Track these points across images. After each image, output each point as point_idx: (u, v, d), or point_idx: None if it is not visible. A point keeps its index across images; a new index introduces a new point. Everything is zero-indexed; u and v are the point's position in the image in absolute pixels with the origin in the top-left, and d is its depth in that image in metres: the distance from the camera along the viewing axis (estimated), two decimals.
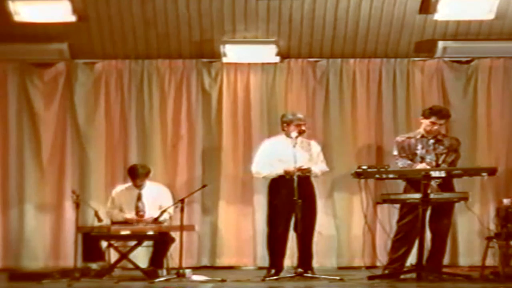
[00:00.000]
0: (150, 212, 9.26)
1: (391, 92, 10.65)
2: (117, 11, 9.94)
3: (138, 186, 9.45)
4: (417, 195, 8.27)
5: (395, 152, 8.76)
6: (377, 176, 8.46)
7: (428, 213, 8.43)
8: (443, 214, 8.62)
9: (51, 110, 10.62)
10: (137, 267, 9.10)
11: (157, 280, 8.45)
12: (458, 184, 8.80)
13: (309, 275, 8.60)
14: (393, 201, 8.56)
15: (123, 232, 8.94)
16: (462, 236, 10.37)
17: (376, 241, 9.47)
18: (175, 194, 9.66)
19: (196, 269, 9.58)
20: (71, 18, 9.67)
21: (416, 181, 8.37)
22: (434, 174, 8.34)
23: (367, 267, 9.46)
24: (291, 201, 8.48)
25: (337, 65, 10.69)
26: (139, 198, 9.41)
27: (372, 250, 9.43)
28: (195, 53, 10.59)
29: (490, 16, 9.71)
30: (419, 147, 8.68)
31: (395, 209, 8.94)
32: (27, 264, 10.36)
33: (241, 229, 10.51)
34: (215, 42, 10.35)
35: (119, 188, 9.62)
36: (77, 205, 8.76)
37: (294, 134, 8.89)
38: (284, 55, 10.56)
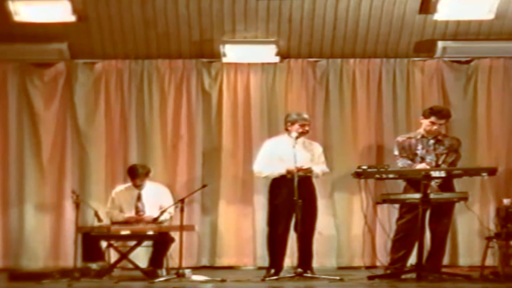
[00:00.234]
0: (150, 212, 9.26)
1: (391, 92, 10.65)
2: (117, 11, 9.94)
3: (138, 186, 9.45)
4: (417, 195, 8.27)
5: (396, 152, 8.77)
6: (377, 176, 8.45)
7: (428, 213, 8.44)
8: (443, 214, 8.62)
9: (51, 110, 10.62)
10: (137, 267, 9.10)
11: (157, 280, 8.45)
12: (458, 184, 8.80)
13: (309, 275, 8.60)
14: (393, 201, 8.56)
15: (123, 232, 8.93)
16: (462, 236, 10.37)
17: (376, 241, 9.49)
18: (175, 194, 9.66)
19: (196, 269, 9.58)
20: (71, 18, 9.67)
21: (416, 181, 8.37)
22: (434, 174, 8.34)
23: (367, 267, 9.47)
24: (291, 201, 8.49)
25: (337, 65, 10.69)
26: (139, 198, 9.41)
27: (372, 250, 9.44)
28: (195, 53, 10.59)
29: (490, 16, 9.72)
30: (420, 147, 8.68)
31: (395, 209, 8.95)
32: (27, 264, 10.36)
33: (241, 229, 10.51)
34: (215, 42, 10.36)
35: (119, 188, 9.62)
36: (77, 205, 8.75)
37: (294, 134, 8.88)
38: (284, 55, 10.56)
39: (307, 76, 10.69)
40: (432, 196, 8.27)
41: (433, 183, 8.42)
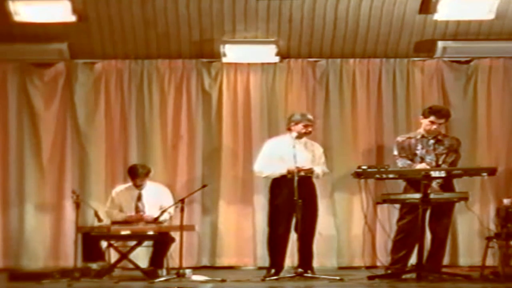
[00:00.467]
0: (150, 212, 9.26)
1: (391, 92, 10.65)
2: (117, 11, 9.94)
3: (138, 186, 9.45)
4: (417, 195, 8.28)
5: (395, 152, 8.77)
6: (377, 176, 8.45)
7: (428, 213, 8.44)
8: (443, 214, 8.62)
9: (51, 110, 10.62)
10: (137, 267, 9.10)
11: (157, 280, 8.45)
12: (458, 184, 8.80)
13: (309, 275, 8.61)
14: (393, 201, 8.56)
15: (123, 232, 8.93)
16: (462, 236, 10.37)
17: (376, 241, 9.49)
18: (175, 194, 9.66)
19: (196, 269, 9.58)
20: (71, 18, 9.67)
21: (416, 181, 8.37)
22: (434, 174, 8.34)
23: (367, 267, 9.47)
24: (292, 201, 8.49)
25: (337, 65, 10.69)
26: (139, 198, 9.41)
27: (372, 250, 9.45)
28: (195, 53, 10.59)
29: (490, 16, 9.72)
30: (419, 147, 8.68)
31: (395, 209, 8.95)
32: (27, 264, 10.36)
33: (241, 229, 10.51)
34: (215, 42, 10.36)
35: (119, 188, 9.62)
36: (77, 205, 8.75)
37: (294, 134, 8.88)
38: (284, 55, 10.56)
39: (307, 76, 10.69)
40: (432, 196, 8.27)
41: (434, 183, 8.42)
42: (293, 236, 8.81)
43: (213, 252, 10.50)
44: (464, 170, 8.52)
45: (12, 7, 9.54)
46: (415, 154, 8.67)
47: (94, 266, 8.76)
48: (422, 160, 8.61)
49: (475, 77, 10.65)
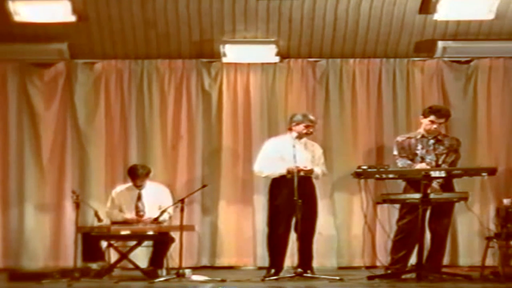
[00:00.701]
0: (150, 212, 9.26)
1: (391, 92, 10.65)
2: (117, 11, 9.94)
3: (138, 186, 9.45)
4: (417, 195, 8.27)
5: (395, 152, 8.76)
6: (377, 176, 8.45)
7: (428, 213, 8.44)
8: (442, 214, 8.62)
9: (51, 110, 10.62)
10: (137, 267, 9.11)
11: (157, 280, 8.44)
12: (458, 184, 8.80)
13: (309, 275, 8.61)
14: (393, 201, 8.55)
15: (123, 232, 8.93)
16: (462, 236, 10.37)
17: (376, 241, 9.47)
18: (175, 194, 9.67)
19: (196, 269, 9.58)
20: (71, 18, 9.67)
21: (416, 181, 8.37)
22: (434, 174, 8.33)
23: (367, 267, 9.48)
24: (292, 201, 8.48)
25: (337, 65, 10.69)
26: (139, 198, 9.41)
27: (372, 250, 9.44)
28: (195, 53, 10.59)
29: (490, 16, 9.71)
30: (419, 147, 8.68)
31: (395, 209, 8.94)
32: (27, 264, 10.36)
33: (241, 229, 10.52)
34: (215, 42, 10.36)
35: (119, 188, 9.61)
36: (77, 205, 8.74)
37: (294, 134, 8.88)
38: (284, 55, 10.56)
39: (307, 76, 10.69)
40: (432, 196, 8.27)
41: (434, 183, 8.42)
42: (293, 236, 8.81)
43: (213, 252, 10.50)
44: (464, 170, 8.51)
45: (12, 7, 9.54)
46: (415, 154, 8.67)
47: (94, 266, 8.76)
48: (423, 160, 8.61)
49: (475, 77, 10.65)
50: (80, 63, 10.65)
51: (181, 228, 8.68)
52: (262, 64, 10.65)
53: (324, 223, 9.98)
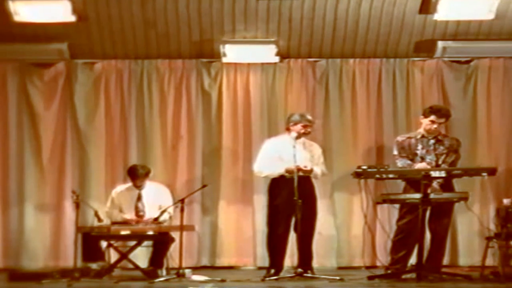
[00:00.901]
0: (150, 212, 9.26)
1: (391, 92, 10.65)
2: (117, 11, 9.94)
3: (138, 186, 9.44)
4: (417, 195, 8.28)
5: (395, 152, 8.77)
6: (377, 176, 8.45)
7: (427, 213, 8.44)
8: (442, 214, 8.62)
9: (51, 110, 10.62)
10: (137, 267, 9.11)
11: (157, 280, 8.45)
12: (458, 184, 8.80)
13: (309, 275, 8.61)
14: (393, 201, 8.56)
15: (123, 232, 8.93)
16: (462, 236, 10.37)
17: (376, 241, 9.48)
18: (175, 194, 9.67)
19: (196, 269, 9.58)
20: (71, 18, 9.67)
21: (416, 181, 8.37)
22: (434, 174, 8.34)
23: (367, 267, 9.47)
24: (291, 201, 8.49)
25: (337, 65, 10.69)
26: (139, 198, 9.41)
27: (372, 250, 9.44)
28: (195, 53, 10.59)
29: (490, 16, 9.72)
30: (420, 147, 8.68)
31: (395, 209, 8.95)
32: (27, 264, 10.36)
33: (241, 229, 10.51)
34: (215, 42, 10.36)
35: (119, 188, 9.61)
36: (77, 205, 8.74)
37: (293, 134, 8.88)
38: (284, 55, 10.56)
39: (307, 76, 10.69)
40: (432, 196, 8.27)
41: (434, 183, 8.42)
42: (292, 236, 8.81)
43: (213, 252, 10.50)
44: (464, 170, 8.52)
45: (12, 7, 9.54)
46: (415, 154, 8.67)
47: (94, 266, 8.77)
48: (422, 160, 8.61)
49: (475, 77, 10.65)
50: (80, 63, 10.65)
51: (181, 228, 8.69)
52: (262, 64, 10.65)
53: (324, 223, 9.99)
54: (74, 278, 8.35)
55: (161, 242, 9.03)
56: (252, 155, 9.88)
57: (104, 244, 9.16)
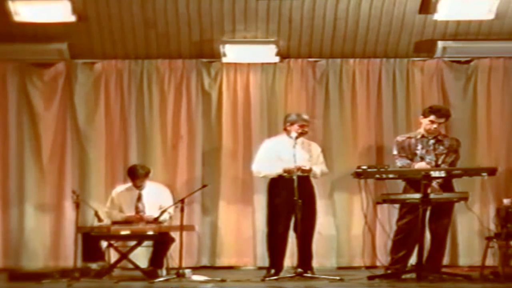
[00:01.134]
0: (150, 213, 9.25)
1: (391, 92, 10.65)
2: (117, 11, 9.94)
3: (138, 186, 9.44)
4: (417, 195, 8.28)
5: (395, 152, 8.77)
6: (377, 176, 8.45)
7: (427, 213, 8.44)
8: (442, 214, 8.62)
9: (51, 110, 10.62)
10: (137, 267, 9.10)
11: (157, 280, 8.45)
12: (458, 184, 8.80)
13: (309, 275, 8.61)
14: (393, 201, 8.56)
15: (123, 232, 8.93)
16: (462, 236, 10.37)
17: (376, 241, 9.48)
18: (175, 194, 9.67)
19: (196, 269, 9.59)
20: (71, 18, 9.67)
21: (415, 181, 8.37)
22: (434, 174, 8.34)
23: (367, 267, 9.46)
24: (291, 201, 8.49)
25: (337, 65, 10.70)
26: (139, 198, 9.41)
27: (372, 250, 9.44)
28: (195, 53, 10.60)
29: (490, 16, 9.72)
30: (419, 147, 8.68)
31: (395, 209, 8.94)
32: (27, 264, 10.36)
33: (241, 229, 10.52)
34: (215, 42, 10.36)
35: (119, 188, 9.61)
36: (77, 205, 8.74)
37: (293, 134, 8.89)
38: (284, 55, 10.56)
39: (307, 76, 10.69)
40: (432, 196, 8.27)
41: (434, 183, 8.42)
42: (292, 236, 8.81)
43: (213, 252, 10.50)
44: (464, 170, 8.52)
45: (12, 7, 9.54)
46: (415, 154, 8.67)
47: (94, 266, 8.77)
48: (422, 160, 8.60)
49: (475, 77, 10.65)
50: (80, 63, 10.66)
51: (181, 228, 8.69)
52: (262, 64, 10.66)
53: (324, 223, 10.00)
54: (74, 278, 8.35)
55: (161, 242, 9.03)
56: (252, 155, 9.86)
57: (104, 244, 9.16)
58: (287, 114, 9.21)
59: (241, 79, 10.71)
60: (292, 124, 8.98)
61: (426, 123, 8.71)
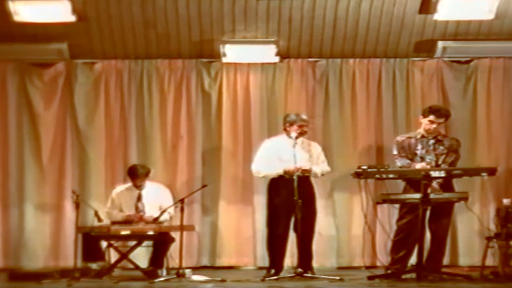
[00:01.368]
0: (150, 213, 9.26)
1: (391, 92, 10.65)
2: (117, 11, 9.94)
3: (138, 186, 9.44)
4: (417, 195, 8.28)
5: (395, 152, 8.77)
6: (377, 176, 8.45)
7: (428, 213, 8.44)
8: (442, 214, 8.62)
9: (51, 110, 10.62)
10: (137, 267, 9.10)
11: (157, 280, 8.44)
12: (458, 184, 8.80)
13: (309, 275, 8.60)
14: (393, 201, 8.56)
15: (123, 232, 8.93)
16: (462, 236, 10.37)
17: (376, 241, 9.48)
18: (175, 194, 9.67)
19: (196, 269, 9.59)
20: (71, 18, 9.67)
21: (415, 181, 8.37)
22: (434, 174, 8.34)
23: (367, 267, 9.46)
24: (291, 201, 8.49)
25: (337, 65, 10.70)
26: (139, 198, 9.41)
27: (372, 250, 9.43)
28: (195, 53, 10.60)
29: (490, 16, 9.72)
30: (419, 147, 8.68)
31: (395, 209, 8.94)
32: (27, 264, 10.36)
33: (241, 229, 10.52)
34: (215, 42, 10.36)
35: (120, 188, 9.61)
36: (77, 205, 8.74)
37: (293, 134, 8.89)
38: (283, 55, 10.56)
39: (306, 76, 10.69)
40: (432, 196, 8.27)
41: (434, 183, 8.42)
42: (292, 236, 8.81)
43: (213, 252, 10.50)
44: (464, 170, 8.52)
45: (12, 7, 9.54)
46: (415, 154, 8.67)
47: (94, 266, 8.77)
48: (422, 160, 8.61)
49: (475, 77, 10.65)
50: (80, 63, 10.66)
51: (181, 228, 8.69)
52: (262, 64, 10.66)
53: (324, 223, 10.01)
54: (74, 278, 8.36)
55: (161, 242, 9.03)
56: (252, 155, 9.84)
57: (104, 244, 9.16)
58: (286, 115, 9.21)
59: (241, 79, 10.71)
60: (291, 124, 8.98)
61: (425, 123, 8.71)
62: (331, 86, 10.68)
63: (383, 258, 9.06)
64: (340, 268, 10.30)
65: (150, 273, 8.77)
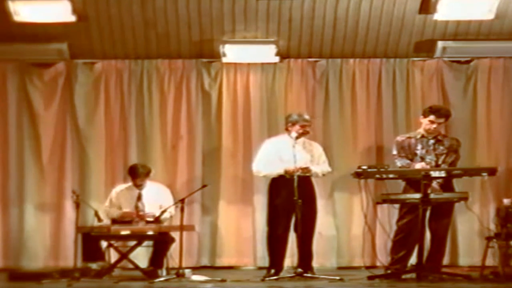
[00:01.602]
0: (150, 212, 9.25)
1: (390, 92, 10.65)
2: (117, 11, 9.94)
3: (138, 186, 9.44)
4: (417, 195, 8.28)
5: (395, 152, 8.77)
6: (377, 176, 8.46)
7: (428, 213, 8.44)
8: (442, 214, 8.62)
9: (51, 110, 10.62)
10: (137, 267, 9.10)
11: (157, 280, 8.44)
12: (458, 184, 8.80)
13: (309, 275, 8.60)
14: (393, 201, 8.56)
15: (123, 232, 8.93)
16: (462, 236, 10.37)
17: (376, 241, 9.47)
18: (175, 194, 9.67)
19: (196, 269, 9.59)
20: (71, 18, 9.67)
21: (415, 181, 8.37)
22: (434, 174, 8.34)
23: (367, 267, 9.45)
24: (291, 201, 8.49)
25: (337, 65, 10.70)
26: (139, 198, 9.41)
27: (372, 250, 9.43)
28: (195, 53, 10.59)
29: (490, 16, 9.72)
30: (419, 147, 8.68)
31: (395, 209, 8.94)
32: (27, 264, 10.36)
33: (241, 229, 10.52)
34: (215, 42, 10.36)
35: (120, 187, 9.61)
36: (77, 205, 8.74)
37: (294, 134, 8.89)
38: (283, 55, 10.56)
39: (306, 76, 10.69)
40: (432, 196, 8.27)
41: (434, 183, 8.42)
42: (292, 236, 8.81)
43: (213, 252, 10.50)
44: (464, 170, 8.52)
45: (12, 7, 9.54)
46: (415, 154, 8.68)
47: (94, 266, 8.77)
48: (422, 160, 8.61)
49: (475, 77, 10.65)
50: (80, 63, 10.66)
51: (181, 228, 8.69)
52: (262, 64, 10.66)
53: (324, 223, 10.00)
54: (74, 278, 8.35)
55: (161, 242, 9.03)
56: (252, 155, 9.86)
57: (104, 244, 9.16)
58: (289, 114, 9.20)
59: (241, 79, 10.71)
60: (293, 124, 8.97)
61: (426, 123, 8.71)
62: (331, 86, 10.68)
63: (383, 258, 9.06)
64: (340, 268, 10.30)
65: (150, 273, 8.77)
